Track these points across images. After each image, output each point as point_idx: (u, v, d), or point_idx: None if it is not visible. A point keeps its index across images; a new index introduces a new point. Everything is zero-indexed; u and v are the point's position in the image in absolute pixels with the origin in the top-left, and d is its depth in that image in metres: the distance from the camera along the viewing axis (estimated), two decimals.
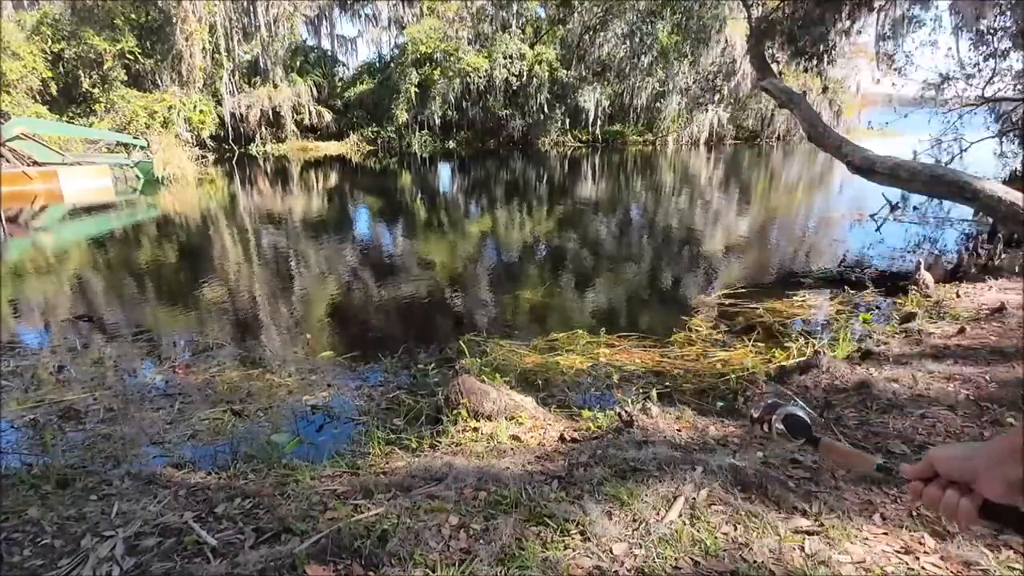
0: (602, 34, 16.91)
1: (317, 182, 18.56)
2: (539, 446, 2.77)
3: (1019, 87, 9.61)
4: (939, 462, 0.66)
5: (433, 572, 1.64)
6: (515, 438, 2.85)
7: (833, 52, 9.97)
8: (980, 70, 9.74)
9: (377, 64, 30.29)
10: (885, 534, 1.81)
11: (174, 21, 22.32)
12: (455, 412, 3.13)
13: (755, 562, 1.67)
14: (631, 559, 1.70)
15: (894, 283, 5.83)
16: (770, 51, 10.41)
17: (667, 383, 3.86)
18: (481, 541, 1.79)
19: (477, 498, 2.09)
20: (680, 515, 1.91)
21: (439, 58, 25.92)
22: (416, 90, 26.05)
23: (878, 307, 5.38)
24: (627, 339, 4.71)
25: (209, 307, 6.07)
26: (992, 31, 9.31)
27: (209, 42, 23.57)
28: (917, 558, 1.68)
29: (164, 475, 2.54)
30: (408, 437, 3.07)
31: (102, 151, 17.94)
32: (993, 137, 10.43)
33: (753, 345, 4.40)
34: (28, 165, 14.22)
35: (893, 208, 10.08)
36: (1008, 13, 8.88)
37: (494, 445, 2.76)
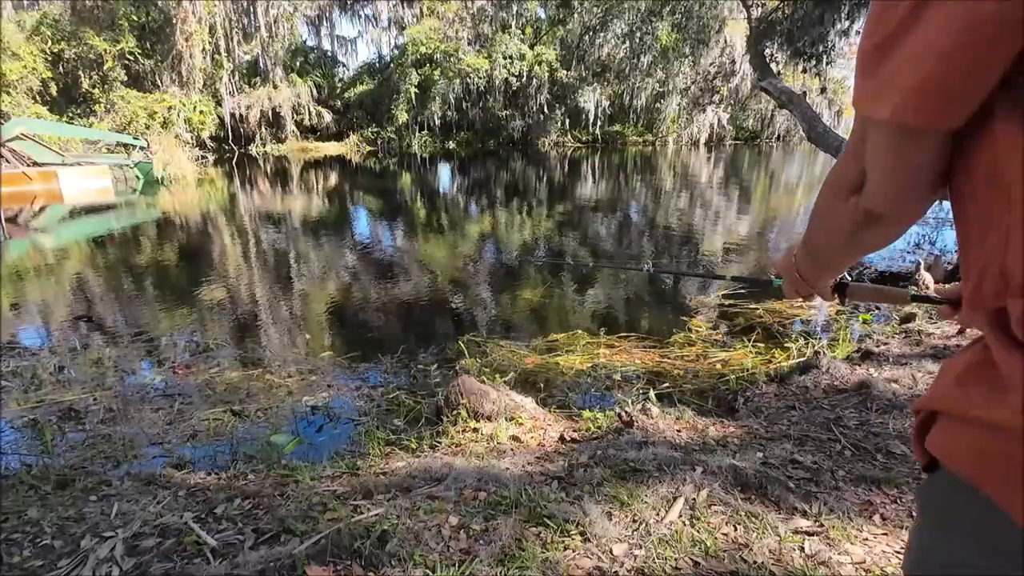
0: (602, 34, 16.92)
1: (317, 183, 18.56)
2: (539, 446, 2.77)
3: None
4: None
5: (433, 573, 1.64)
6: (515, 438, 2.85)
7: (832, 52, 9.98)
8: None
9: (377, 64, 30.33)
10: (885, 535, 1.81)
11: (174, 21, 22.35)
12: (455, 413, 3.13)
13: (755, 563, 1.67)
14: (631, 560, 1.70)
15: (894, 283, 5.83)
16: (769, 51, 10.42)
17: (667, 383, 3.86)
18: (481, 542, 1.79)
19: (477, 499, 2.08)
20: (680, 516, 1.91)
21: (439, 59, 25.95)
22: (416, 91, 26.07)
23: (878, 307, 5.38)
24: (627, 339, 4.71)
25: (209, 307, 6.06)
26: None
27: (209, 42, 23.59)
28: None
29: (164, 475, 2.54)
30: (408, 438, 3.07)
31: (102, 151, 17.95)
32: None
33: (753, 345, 4.40)
34: (28, 165, 14.21)
35: None
36: None
37: (494, 446, 2.76)
